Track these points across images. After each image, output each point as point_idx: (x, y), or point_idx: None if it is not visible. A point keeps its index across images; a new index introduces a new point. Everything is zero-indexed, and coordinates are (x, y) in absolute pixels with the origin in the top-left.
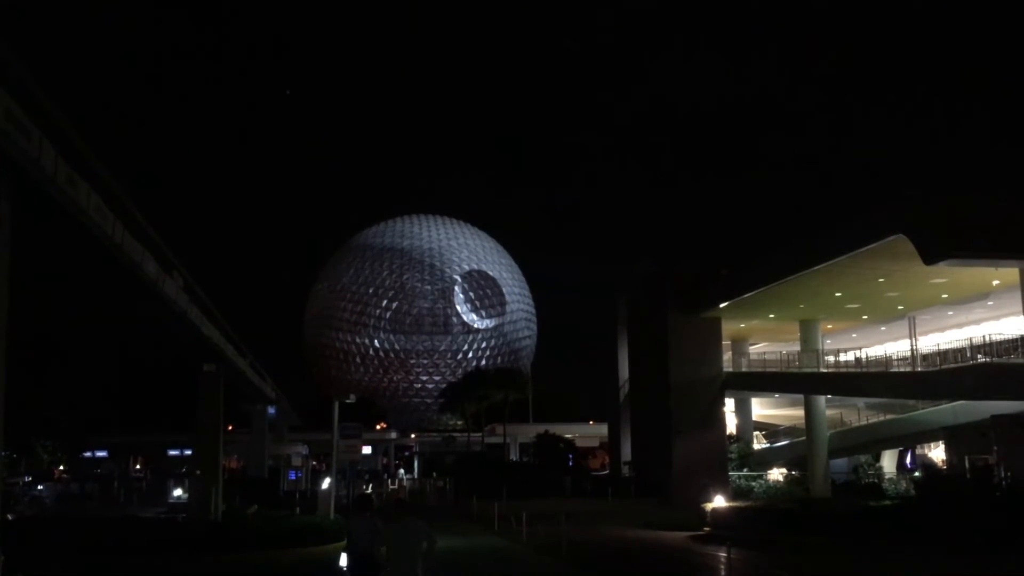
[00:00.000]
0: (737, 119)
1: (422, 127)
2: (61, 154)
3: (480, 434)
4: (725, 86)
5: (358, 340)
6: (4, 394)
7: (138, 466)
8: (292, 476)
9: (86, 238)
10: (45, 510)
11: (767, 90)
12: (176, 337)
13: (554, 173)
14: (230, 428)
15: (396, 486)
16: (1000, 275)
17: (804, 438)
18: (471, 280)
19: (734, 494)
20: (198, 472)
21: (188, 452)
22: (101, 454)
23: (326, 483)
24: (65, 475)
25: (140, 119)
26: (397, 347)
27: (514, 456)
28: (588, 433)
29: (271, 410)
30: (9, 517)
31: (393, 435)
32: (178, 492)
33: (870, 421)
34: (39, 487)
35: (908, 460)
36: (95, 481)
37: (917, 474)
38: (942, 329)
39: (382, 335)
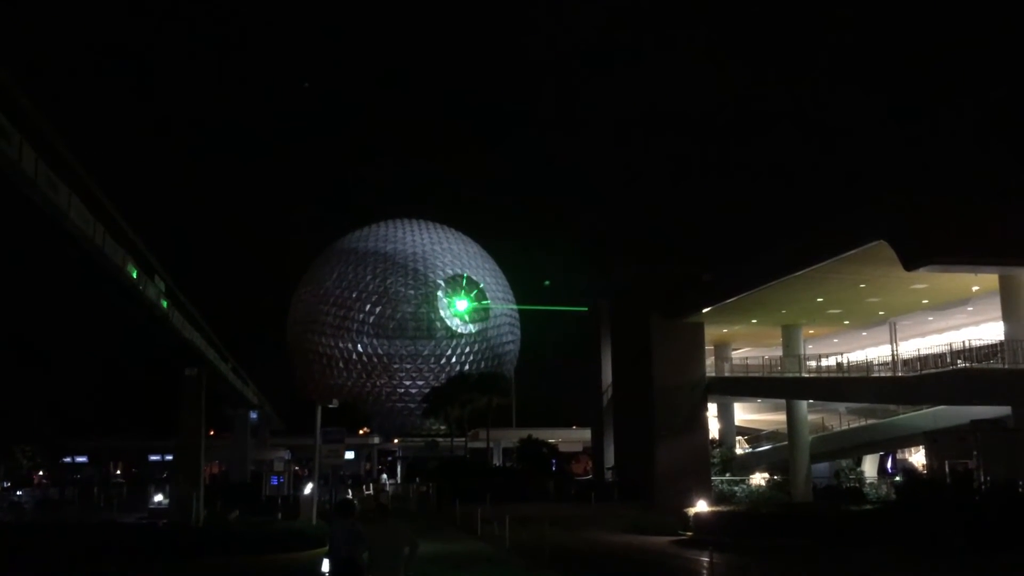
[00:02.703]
0: (717, 123)
1: (404, 131)
2: (41, 157)
3: (463, 439)
4: (703, 90)
5: (341, 344)
6: None
7: (118, 471)
8: (274, 481)
9: (66, 242)
10: (24, 516)
11: (746, 94)
12: (158, 341)
13: (536, 177)
14: (212, 433)
15: (370, 491)
16: (980, 281)
17: (786, 443)
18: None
19: (716, 498)
20: (179, 477)
21: (169, 457)
22: (81, 459)
23: (308, 488)
24: (45, 480)
25: (121, 124)
26: (380, 352)
27: (497, 461)
28: (572, 438)
29: (253, 415)
30: None
31: (376, 440)
32: (159, 497)
33: (851, 426)
34: (18, 493)
35: (889, 465)
36: (75, 486)
37: (898, 479)
38: (923, 334)
39: (365, 340)
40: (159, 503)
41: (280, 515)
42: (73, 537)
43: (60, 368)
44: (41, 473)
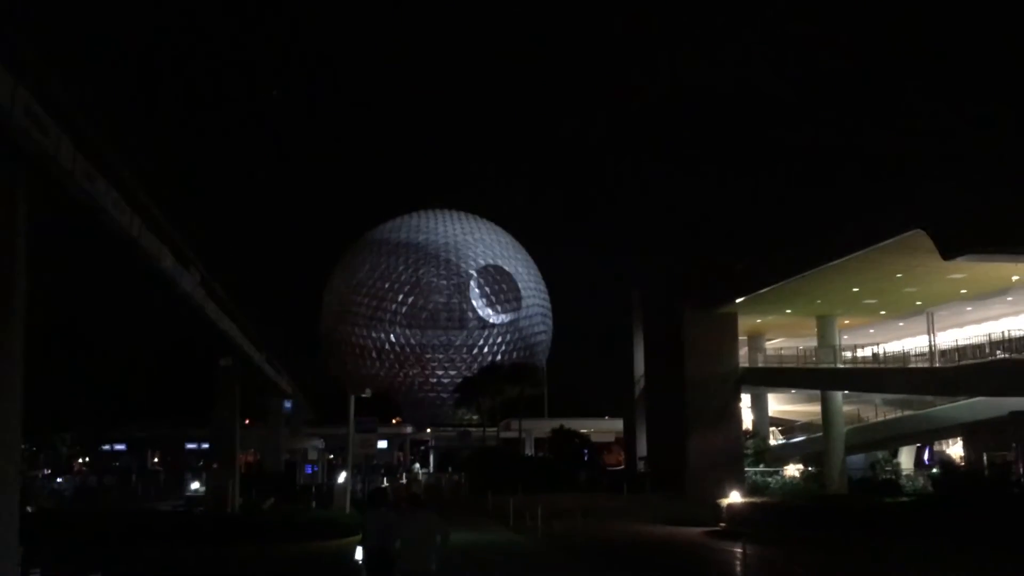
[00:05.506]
0: (750, 112)
1: (435, 121)
2: (79, 150)
3: (495, 429)
4: (738, 78)
5: (374, 335)
6: (22, 388)
7: (156, 459)
8: (308, 470)
9: (103, 233)
10: (64, 503)
11: (780, 82)
12: (193, 331)
13: (566, 167)
14: (247, 422)
15: (403, 480)
16: (1019, 270)
17: (821, 434)
18: (487, 275)
19: (750, 490)
20: (215, 466)
21: (205, 446)
22: (119, 447)
23: (342, 477)
24: (84, 468)
25: (156, 114)
26: (413, 342)
27: (529, 451)
28: (604, 428)
29: (287, 404)
30: (28, 510)
31: (409, 430)
32: (195, 485)
33: (887, 417)
34: (58, 480)
35: (926, 457)
36: (113, 474)
37: (935, 471)
38: (961, 325)
39: (398, 330)
40: (195, 491)
41: (314, 504)
42: (111, 524)
43: (98, 358)
44: (80, 461)
